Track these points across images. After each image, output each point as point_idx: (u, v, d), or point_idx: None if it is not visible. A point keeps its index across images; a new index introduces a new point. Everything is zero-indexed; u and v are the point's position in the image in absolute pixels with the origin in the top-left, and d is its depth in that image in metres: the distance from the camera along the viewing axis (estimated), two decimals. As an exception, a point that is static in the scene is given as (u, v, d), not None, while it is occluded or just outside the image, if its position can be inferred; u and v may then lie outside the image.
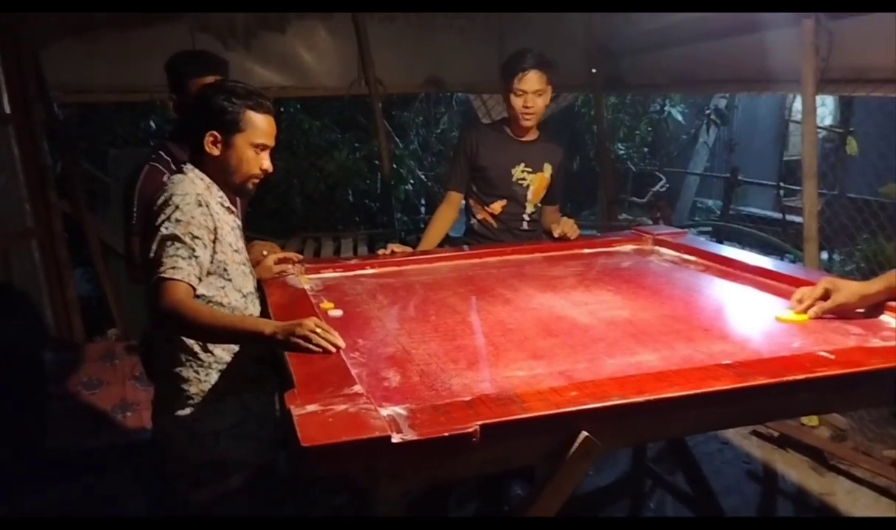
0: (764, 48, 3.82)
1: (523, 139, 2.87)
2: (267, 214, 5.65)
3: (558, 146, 2.97)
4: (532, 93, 2.72)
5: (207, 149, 1.83)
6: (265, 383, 1.98)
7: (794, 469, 3.33)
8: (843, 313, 1.79)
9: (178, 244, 1.73)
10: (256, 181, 1.93)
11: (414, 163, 6.88)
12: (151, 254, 1.75)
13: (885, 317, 1.79)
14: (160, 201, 1.79)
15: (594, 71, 5.24)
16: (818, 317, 1.79)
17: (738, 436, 3.63)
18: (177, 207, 1.76)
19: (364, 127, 6.14)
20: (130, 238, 2.25)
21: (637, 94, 7.19)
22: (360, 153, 6.14)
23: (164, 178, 2.24)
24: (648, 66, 4.99)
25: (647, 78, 5.21)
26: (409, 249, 2.73)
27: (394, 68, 4.91)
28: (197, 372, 1.87)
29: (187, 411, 1.87)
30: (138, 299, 3.93)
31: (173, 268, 1.72)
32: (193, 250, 1.75)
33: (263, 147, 1.87)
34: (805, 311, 1.80)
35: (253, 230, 2.78)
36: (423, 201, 7.24)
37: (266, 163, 1.90)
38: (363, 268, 2.51)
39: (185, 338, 1.84)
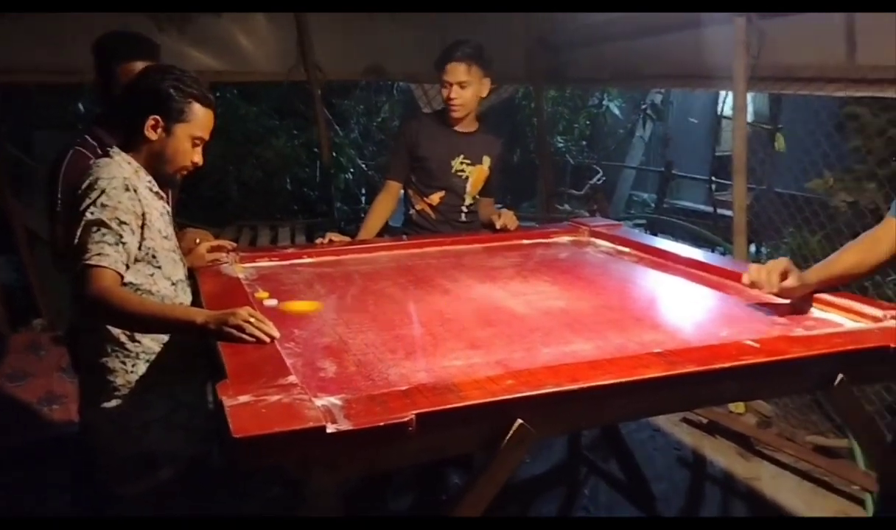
0: (698, 45, 3.92)
1: (463, 131, 2.87)
2: (201, 202, 5.51)
3: (497, 139, 2.98)
4: (456, 84, 2.72)
5: (147, 132, 1.78)
6: (196, 373, 1.93)
7: (721, 455, 3.44)
8: (785, 296, 1.83)
9: (104, 230, 1.68)
10: (185, 173, 1.89)
11: (354, 151, 6.82)
12: (76, 241, 1.68)
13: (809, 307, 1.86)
14: (85, 185, 1.72)
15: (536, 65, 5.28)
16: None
17: (669, 424, 3.73)
18: (103, 191, 1.70)
19: (303, 114, 6.04)
20: (55, 225, 2.16)
21: (576, 87, 7.28)
22: (299, 140, 6.05)
23: (90, 163, 2.16)
24: (587, 60, 5.05)
25: (586, 72, 5.27)
26: (347, 239, 2.71)
27: (334, 55, 4.84)
28: (124, 362, 1.81)
29: (114, 403, 1.81)
30: (65, 288, 3.79)
31: (99, 254, 1.66)
32: (121, 236, 1.69)
33: (200, 141, 1.84)
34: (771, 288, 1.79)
35: (187, 218, 2.71)
36: (363, 190, 7.19)
37: (198, 157, 1.87)
38: (300, 257, 2.47)
39: (111, 328, 1.78)
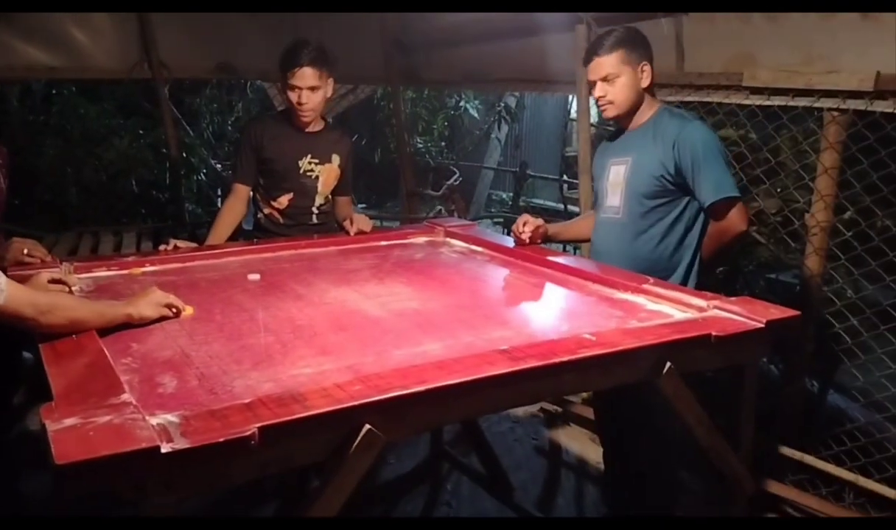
0: (544, 50, 4.08)
1: (309, 130, 2.83)
2: (38, 207, 5.10)
3: (345, 135, 2.97)
4: (306, 89, 2.68)
5: None
6: None
7: (576, 441, 3.61)
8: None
9: None
10: None
11: (207, 151, 6.55)
12: None
13: (641, 300, 1.99)
14: None
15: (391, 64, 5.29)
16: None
17: (526, 415, 3.86)
18: None
19: (150, 113, 5.74)
20: None
21: (431, 88, 7.38)
22: (146, 140, 5.73)
23: None
24: (442, 61, 5.12)
25: (440, 74, 5.35)
26: (193, 244, 2.60)
27: (181, 51, 4.62)
28: None
29: None
30: None
31: None
32: None
33: None
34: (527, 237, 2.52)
35: (22, 225, 2.49)
36: (218, 192, 6.92)
37: None
38: (142, 266, 2.34)
39: None
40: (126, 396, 1.26)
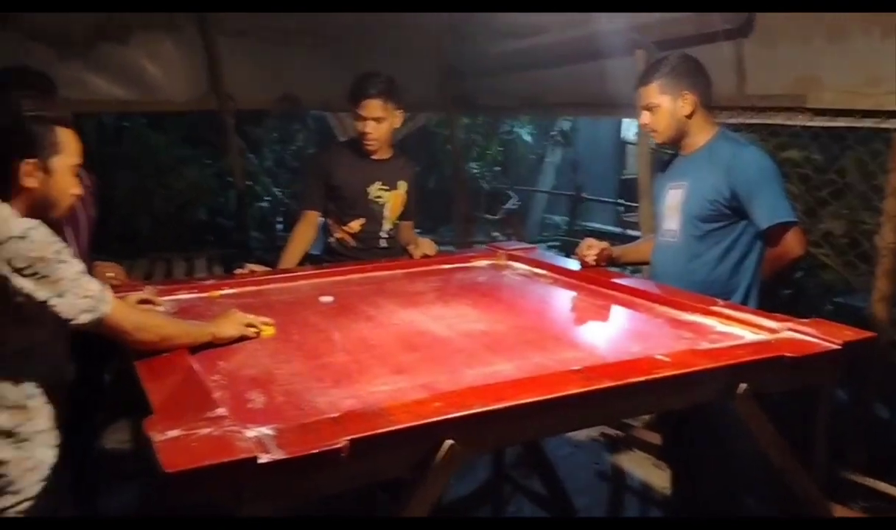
0: (602, 75, 4.12)
1: (377, 158, 2.92)
2: (111, 235, 5.32)
3: (410, 162, 3.05)
4: (372, 120, 2.77)
5: (24, 181, 1.57)
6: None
7: (639, 467, 3.57)
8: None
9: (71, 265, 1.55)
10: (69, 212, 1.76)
11: (269, 179, 6.75)
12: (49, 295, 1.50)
13: (711, 322, 1.99)
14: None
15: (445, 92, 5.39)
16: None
17: (588, 440, 3.85)
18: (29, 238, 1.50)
19: (215, 143, 5.95)
20: None
21: (487, 115, 7.47)
22: (212, 170, 5.94)
23: None
24: (497, 88, 5.21)
25: (495, 100, 5.44)
26: (267, 269, 2.70)
27: (246, 84, 4.79)
28: (17, 448, 1.59)
29: (8, 500, 1.59)
30: None
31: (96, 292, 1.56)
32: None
33: (77, 167, 1.69)
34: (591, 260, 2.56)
35: (96, 253, 2.64)
36: (279, 218, 7.11)
37: (79, 186, 1.70)
38: (220, 289, 2.44)
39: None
40: (221, 410, 1.33)
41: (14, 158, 1.56)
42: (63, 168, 1.63)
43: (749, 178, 2.25)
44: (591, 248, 2.59)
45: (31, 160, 1.57)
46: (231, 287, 2.46)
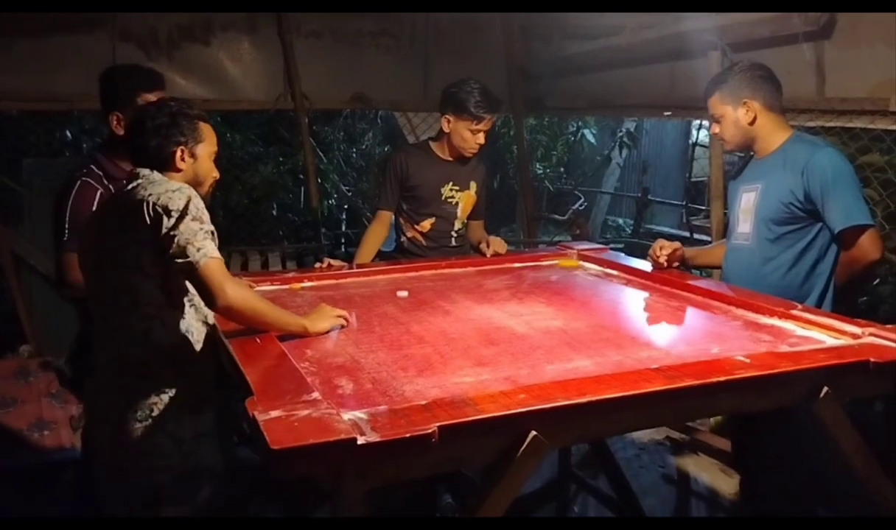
0: (674, 76, 4.09)
1: (449, 159, 2.97)
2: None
3: (481, 163, 3.10)
4: (485, 132, 2.88)
5: (178, 163, 1.89)
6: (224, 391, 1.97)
7: (705, 471, 3.55)
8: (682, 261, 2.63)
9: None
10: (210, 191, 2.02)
11: (337, 177, 6.90)
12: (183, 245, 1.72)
13: (790, 326, 1.98)
14: (180, 206, 1.74)
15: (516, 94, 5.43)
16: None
17: (653, 443, 3.83)
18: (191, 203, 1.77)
19: (288, 141, 6.12)
20: (62, 255, 2.21)
21: (555, 116, 7.46)
22: (285, 167, 6.12)
23: (97, 194, 2.22)
24: (565, 89, 5.22)
25: (563, 101, 5.44)
26: (344, 263, 2.79)
27: (320, 84, 4.94)
28: (179, 372, 1.85)
29: (170, 415, 1.83)
30: (54, 315, 3.78)
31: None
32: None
33: (216, 154, 1.99)
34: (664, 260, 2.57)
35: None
36: (344, 216, 7.27)
37: (216, 170, 2.01)
38: (301, 282, 2.54)
39: (162, 339, 1.82)
40: (316, 394, 1.40)
41: (172, 146, 1.87)
42: (205, 154, 1.95)
43: (824, 180, 2.22)
44: (664, 249, 2.59)
45: (182, 147, 1.89)
46: (311, 280, 2.56)
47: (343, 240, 6.69)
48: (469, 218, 3.08)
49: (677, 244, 2.64)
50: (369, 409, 1.35)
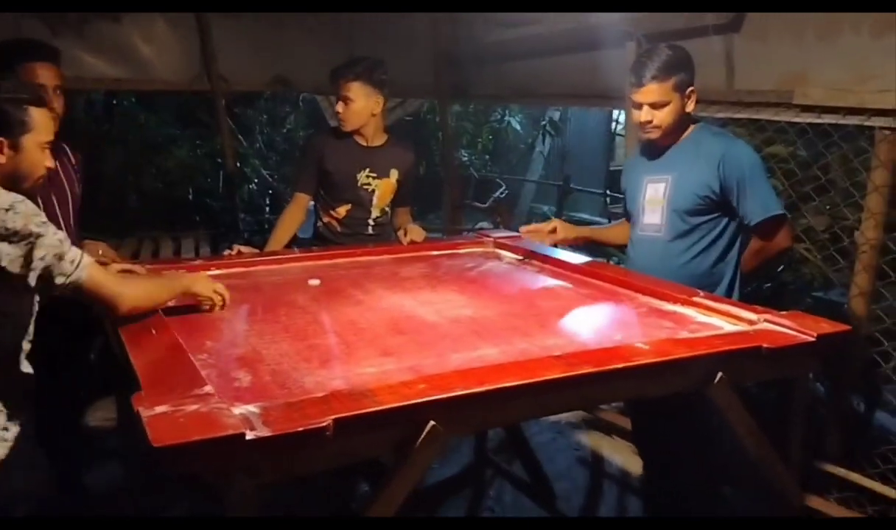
0: (594, 66, 4.14)
1: (369, 145, 2.93)
2: (99, 212, 5.31)
3: (407, 151, 3.05)
4: (341, 100, 2.84)
5: None
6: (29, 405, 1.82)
7: (618, 453, 3.63)
8: (557, 243, 2.75)
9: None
10: (41, 182, 1.84)
11: (259, 162, 6.75)
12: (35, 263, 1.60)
13: (692, 312, 2.03)
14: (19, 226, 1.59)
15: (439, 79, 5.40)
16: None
17: (569, 427, 3.90)
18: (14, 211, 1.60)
19: (206, 123, 5.93)
20: None
21: (480, 103, 7.47)
22: (202, 150, 5.93)
23: None
24: (491, 77, 5.21)
25: (489, 88, 5.44)
26: (255, 250, 2.72)
27: (239, 65, 4.78)
28: None
29: None
30: None
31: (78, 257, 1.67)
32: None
33: (48, 143, 1.78)
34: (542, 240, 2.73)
35: (83, 229, 2.65)
36: (267, 201, 7.12)
37: (49, 160, 1.80)
38: (208, 269, 2.45)
39: None
40: (208, 388, 1.36)
41: None
42: (33, 145, 1.72)
43: (741, 173, 2.28)
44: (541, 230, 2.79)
45: (2, 139, 1.67)
46: (219, 268, 2.48)
47: (266, 226, 6.55)
48: (394, 205, 3.04)
49: (553, 223, 2.83)
50: (263, 403, 1.31)
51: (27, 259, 1.58)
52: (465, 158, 7.90)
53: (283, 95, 6.97)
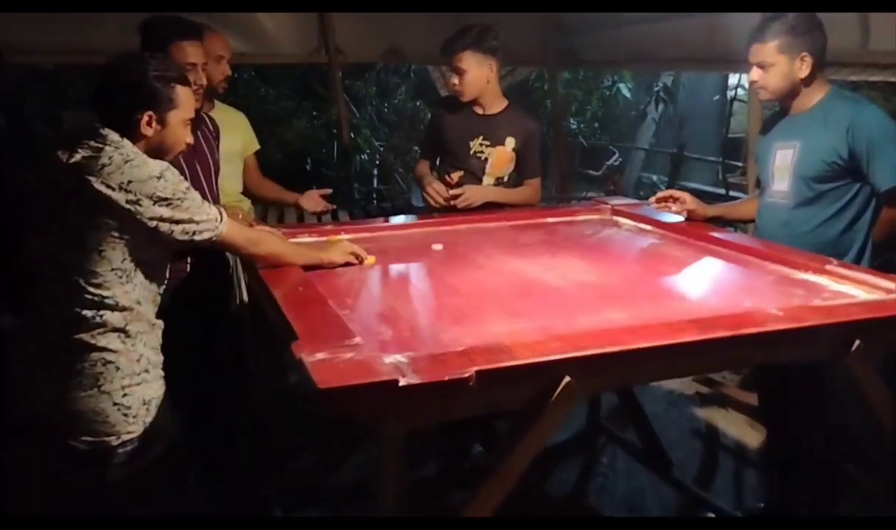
0: (712, 29, 4.01)
1: (485, 113, 2.97)
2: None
3: (526, 118, 3.05)
4: (454, 71, 2.87)
5: (143, 130, 1.79)
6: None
7: (733, 425, 3.57)
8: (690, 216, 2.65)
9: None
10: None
11: (369, 132, 6.93)
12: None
13: (824, 281, 1.99)
14: (167, 192, 1.76)
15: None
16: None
17: (682, 398, 3.86)
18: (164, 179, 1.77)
19: (321, 95, 6.13)
20: None
21: (591, 69, 7.35)
22: (319, 121, 6.15)
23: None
24: (602, 42, 5.13)
25: (600, 54, 5.36)
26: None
27: (353, 37, 4.92)
28: (125, 342, 1.81)
29: (117, 384, 1.80)
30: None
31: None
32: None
33: (190, 121, 1.90)
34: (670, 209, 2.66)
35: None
36: (375, 172, 7.30)
37: (190, 137, 1.93)
38: (338, 234, 2.59)
39: (112, 312, 1.78)
40: (358, 339, 1.46)
41: (139, 110, 1.78)
42: (177, 121, 1.85)
43: (871, 138, 2.20)
44: (677, 202, 2.67)
45: (149, 113, 1.79)
46: (348, 232, 2.60)
47: (374, 196, 6.73)
48: (519, 175, 3.03)
49: (683, 196, 2.70)
50: (409, 353, 1.40)
51: (175, 219, 1.77)
52: (574, 126, 7.82)
53: (393, 67, 7.09)
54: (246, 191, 3.16)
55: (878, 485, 2.71)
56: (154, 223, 1.75)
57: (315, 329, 1.53)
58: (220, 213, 1.88)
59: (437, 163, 3.07)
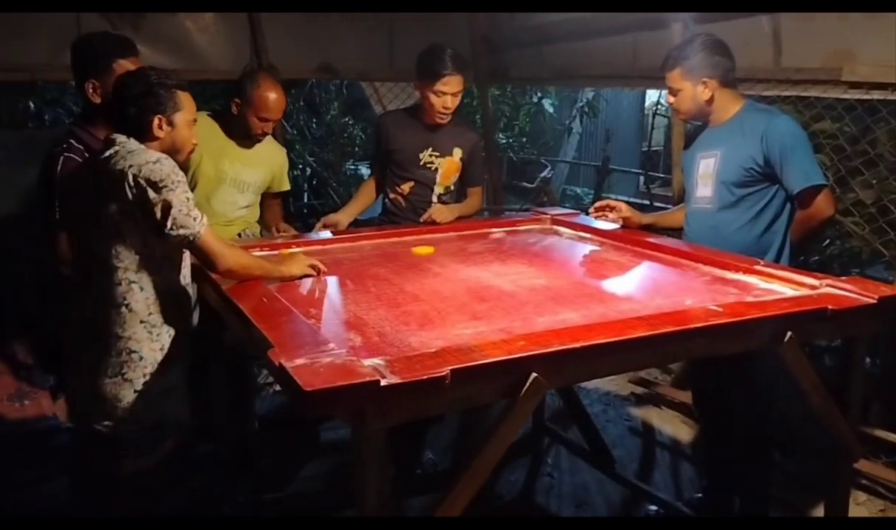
0: (635, 47, 4.23)
1: (431, 124, 3.06)
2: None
3: (470, 130, 3.19)
4: (451, 95, 2.92)
5: (156, 132, 1.96)
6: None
7: (667, 423, 3.76)
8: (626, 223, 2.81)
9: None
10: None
11: (300, 147, 6.91)
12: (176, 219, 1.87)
13: (754, 280, 2.16)
14: (164, 178, 1.86)
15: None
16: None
17: (618, 399, 4.04)
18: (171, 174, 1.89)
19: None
20: (55, 235, 2.18)
21: (519, 86, 7.56)
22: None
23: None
24: (530, 59, 5.30)
25: (528, 71, 5.53)
26: (342, 220, 2.98)
27: (286, 53, 4.93)
28: (150, 333, 1.96)
29: (139, 372, 1.94)
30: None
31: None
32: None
33: (194, 121, 2.06)
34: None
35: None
36: (306, 187, 7.26)
37: (196, 137, 2.08)
38: (289, 247, 2.62)
39: (138, 301, 1.93)
40: (332, 345, 1.51)
41: (149, 115, 1.94)
42: (183, 122, 2.01)
43: (783, 145, 2.41)
44: (615, 210, 2.84)
45: (159, 116, 1.95)
46: (299, 246, 2.64)
47: (305, 211, 6.70)
48: (463, 184, 3.16)
49: (620, 206, 2.88)
50: (384, 357, 1.46)
51: (164, 207, 1.85)
52: (503, 141, 8.01)
53: (324, 83, 7.11)
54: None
55: (802, 470, 2.92)
56: (140, 196, 1.83)
57: (288, 337, 1.57)
58: (203, 217, 1.95)
59: (386, 174, 3.14)
